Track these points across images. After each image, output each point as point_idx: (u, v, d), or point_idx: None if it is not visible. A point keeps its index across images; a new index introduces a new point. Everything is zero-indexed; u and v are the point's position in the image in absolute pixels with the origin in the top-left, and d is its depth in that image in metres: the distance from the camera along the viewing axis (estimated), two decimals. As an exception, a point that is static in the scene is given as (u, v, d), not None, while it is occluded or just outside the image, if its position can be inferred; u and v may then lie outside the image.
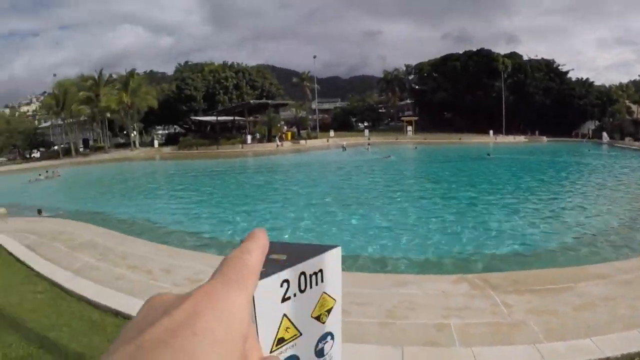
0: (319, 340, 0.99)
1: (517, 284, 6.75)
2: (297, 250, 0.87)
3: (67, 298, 7.40)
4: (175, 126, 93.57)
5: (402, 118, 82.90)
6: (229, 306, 0.32)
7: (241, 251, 0.40)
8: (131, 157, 64.98)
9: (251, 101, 66.04)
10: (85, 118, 79.14)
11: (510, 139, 64.15)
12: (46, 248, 10.97)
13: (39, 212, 19.02)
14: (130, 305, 6.62)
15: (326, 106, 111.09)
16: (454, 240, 11.69)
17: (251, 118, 66.17)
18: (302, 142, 62.48)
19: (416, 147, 50.55)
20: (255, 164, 43.58)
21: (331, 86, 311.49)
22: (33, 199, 27.18)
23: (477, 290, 6.60)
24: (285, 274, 1.09)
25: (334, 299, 1.05)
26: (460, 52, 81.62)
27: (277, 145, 57.45)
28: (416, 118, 78.51)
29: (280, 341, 1.00)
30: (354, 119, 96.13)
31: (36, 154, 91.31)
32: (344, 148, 50.12)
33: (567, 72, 76.85)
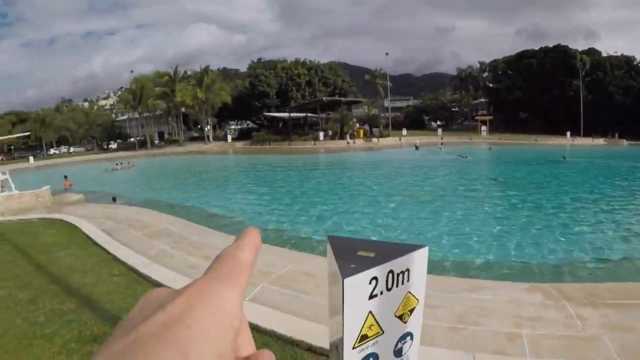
0: (399, 340, 0.90)
1: (593, 297, 6.37)
2: (385, 248, 0.79)
3: (142, 282, 7.58)
4: (248, 122, 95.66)
5: (476, 117, 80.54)
6: (222, 301, 0.33)
7: (234, 249, 0.41)
8: (205, 150, 66.77)
9: (324, 98, 66.22)
10: (161, 112, 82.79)
11: (588, 141, 60.47)
12: (122, 234, 11.35)
13: (114, 199, 19.80)
14: (204, 294, 6.68)
15: (398, 104, 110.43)
16: (529, 246, 11.22)
17: (323, 115, 66.18)
18: (375, 140, 61.92)
19: (490, 148, 49.03)
20: (327, 161, 43.69)
21: (403, 84, 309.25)
22: (109, 187, 28.31)
23: (551, 300, 6.28)
24: (374, 271, 1.00)
25: (417, 299, 0.96)
26: (536, 48, 78.86)
27: (348, 143, 57.33)
28: (490, 117, 76.05)
29: (363, 338, 0.91)
30: (426, 118, 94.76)
31: (113, 145, 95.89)
32: (416, 147, 49.42)
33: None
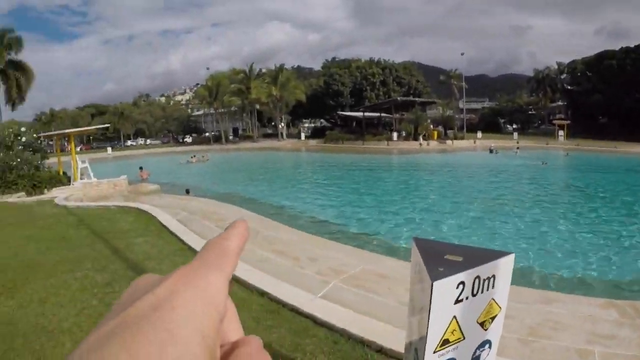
0: (478, 347, 0.83)
1: (669, 317, 5.98)
2: (472, 253, 0.73)
3: (215, 274, 7.69)
4: (321, 120, 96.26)
5: (554, 121, 77.21)
6: (206, 285, 0.35)
7: (221, 238, 0.42)
8: (278, 147, 67.84)
9: (398, 98, 65.86)
10: (236, 108, 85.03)
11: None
12: (197, 224, 11.62)
13: (187, 191, 20.34)
14: (277, 288, 6.75)
15: (473, 106, 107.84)
16: (605, 260, 10.66)
17: (397, 115, 65.60)
18: (449, 142, 60.94)
19: (567, 154, 46.88)
20: (400, 162, 43.35)
21: (478, 84, 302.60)
22: (184, 179, 29.11)
23: (627, 318, 5.93)
24: (462, 276, 0.94)
25: (499, 307, 0.89)
26: (616, 48, 74.06)
27: (420, 145, 56.64)
28: (568, 122, 72.79)
29: (445, 342, 0.85)
30: (502, 121, 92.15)
31: (188, 139, 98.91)
32: (491, 151, 48.19)
33: None
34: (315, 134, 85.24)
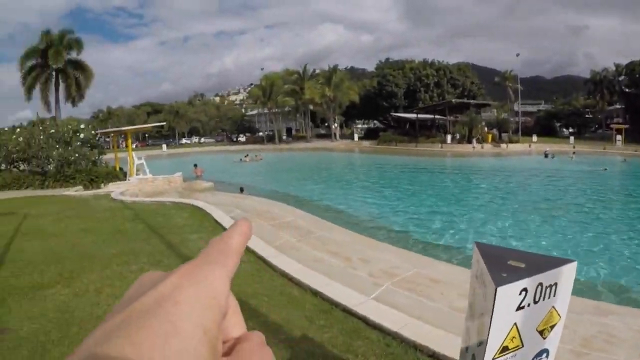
0: (536, 356, 0.76)
1: None
2: (534, 260, 0.66)
3: (269, 271, 7.77)
4: (374, 121, 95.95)
5: (611, 125, 74.43)
6: (209, 281, 0.36)
7: (224, 236, 0.43)
8: (331, 147, 68.18)
9: (453, 100, 64.95)
10: (289, 109, 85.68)
11: None
12: (250, 222, 11.70)
13: (241, 190, 20.55)
14: (330, 288, 6.75)
15: (529, 108, 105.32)
16: None
17: (451, 117, 64.87)
18: (503, 145, 59.74)
19: (625, 160, 45.22)
20: (454, 165, 42.77)
21: (533, 86, 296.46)
22: (238, 177, 29.47)
23: None
24: (525, 282, 0.87)
25: (559, 316, 0.81)
26: None
27: (473, 148, 55.74)
28: (626, 126, 69.97)
29: (504, 350, 0.79)
30: (558, 124, 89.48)
31: (242, 138, 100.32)
32: (546, 155, 46.91)
33: None
34: (369, 135, 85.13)
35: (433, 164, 41.26)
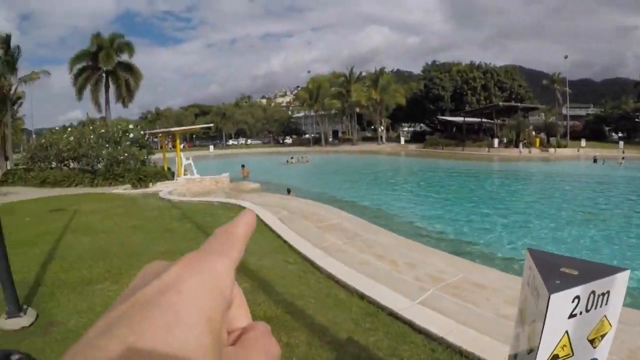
0: None
1: None
2: (587, 267, 0.63)
3: (316, 273, 7.82)
4: (421, 124, 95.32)
5: None
6: (212, 271, 0.36)
7: (228, 226, 0.43)
8: (377, 150, 68.20)
9: (500, 103, 64.07)
10: (336, 111, 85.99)
11: None
12: (297, 224, 11.82)
13: (288, 191, 20.70)
14: (376, 291, 6.74)
15: (577, 112, 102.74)
16: None
17: (499, 121, 63.96)
18: (551, 150, 58.43)
19: None
20: (501, 169, 42.09)
21: (582, 89, 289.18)
22: (283, 179, 29.67)
23: None
24: (578, 290, 0.84)
25: (610, 325, 0.77)
26: None
27: (520, 152, 54.71)
28: None
29: (554, 358, 0.76)
30: (607, 128, 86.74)
31: (288, 140, 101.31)
32: (596, 160, 45.61)
33: None
34: (415, 138, 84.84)
35: (479, 168, 40.80)
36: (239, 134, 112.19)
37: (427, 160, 51.54)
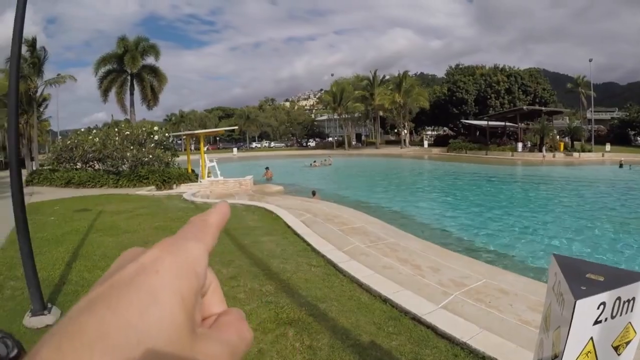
0: None
1: None
2: (613, 273, 0.64)
3: (339, 276, 7.82)
4: (444, 128, 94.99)
5: None
6: (186, 253, 0.39)
7: (203, 214, 0.46)
8: (400, 154, 68.05)
9: (524, 107, 63.10)
10: (359, 114, 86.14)
11: None
12: (320, 227, 11.83)
13: (313, 193, 20.73)
14: (399, 295, 6.73)
15: (602, 116, 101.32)
16: None
17: (523, 125, 63.32)
18: (575, 154, 57.57)
19: None
20: (526, 174, 41.52)
21: (606, 93, 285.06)
22: (307, 181, 29.74)
23: None
24: (603, 296, 0.85)
25: (636, 332, 0.78)
26: None
27: (544, 157, 54.02)
28: None
29: None
30: (632, 132, 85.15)
31: (311, 143, 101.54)
32: (621, 165, 44.86)
33: None
34: (438, 141, 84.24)
35: (503, 172, 40.35)
36: (262, 136, 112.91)
37: (450, 164, 51.17)
